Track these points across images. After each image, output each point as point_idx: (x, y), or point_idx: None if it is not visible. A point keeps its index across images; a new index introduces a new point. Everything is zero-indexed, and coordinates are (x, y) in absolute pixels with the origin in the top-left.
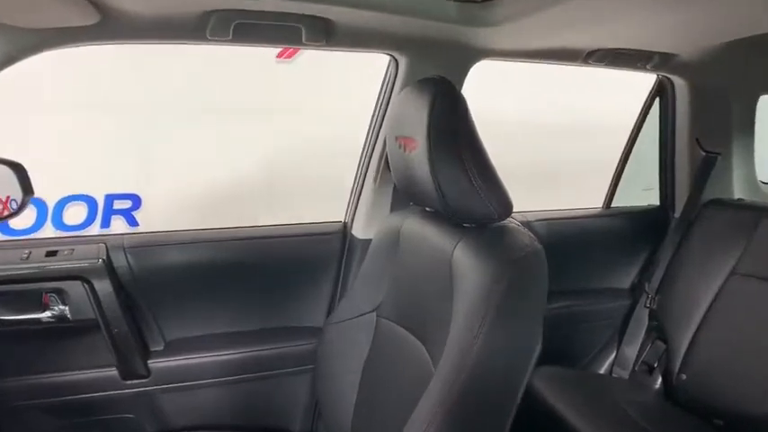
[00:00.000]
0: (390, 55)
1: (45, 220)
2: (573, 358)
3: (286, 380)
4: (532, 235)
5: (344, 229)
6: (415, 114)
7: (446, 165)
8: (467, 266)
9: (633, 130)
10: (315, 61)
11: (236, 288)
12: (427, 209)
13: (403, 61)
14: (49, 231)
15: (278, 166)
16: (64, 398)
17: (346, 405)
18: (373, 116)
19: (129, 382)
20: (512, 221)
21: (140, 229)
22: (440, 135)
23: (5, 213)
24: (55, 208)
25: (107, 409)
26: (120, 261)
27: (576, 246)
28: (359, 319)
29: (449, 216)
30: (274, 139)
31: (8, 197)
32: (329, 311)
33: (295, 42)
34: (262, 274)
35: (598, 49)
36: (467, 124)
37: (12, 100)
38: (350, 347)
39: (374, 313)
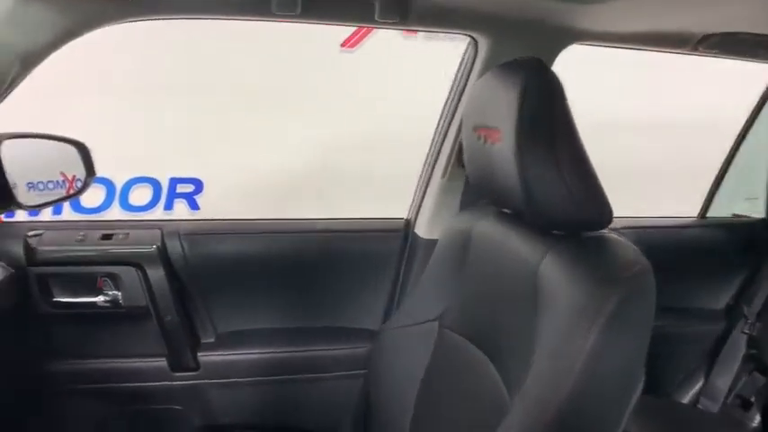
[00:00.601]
0: (470, 36)
1: (113, 200)
2: (654, 384)
3: (336, 383)
4: (637, 248)
5: (407, 227)
6: (500, 101)
7: (536, 160)
8: (558, 282)
9: (741, 130)
10: (379, 50)
11: (291, 283)
12: (505, 210)
13: (484, 43)
14: (116, 211)
15: (338, 156)
16: (114, 384)
17: (402, 419)
18: (445, 105)
19: (178, 374)
20: (610, 231)
21: (200, 213)
22: (531, 125)
23: (71, 192)
24: (122, 189)
25: (155, 400)
26: (174, 248)
27: (665, 258)
28: (419, 327)
29: (534, 220)
30: (334, 129)
31: (74, 176)
32: (386, 314)
33: (367, 20)
34: (317, 270)
35: (712, 34)
36: (564, 114)
37: (87, 82)
38: (407, 356)
39: (436, 322)
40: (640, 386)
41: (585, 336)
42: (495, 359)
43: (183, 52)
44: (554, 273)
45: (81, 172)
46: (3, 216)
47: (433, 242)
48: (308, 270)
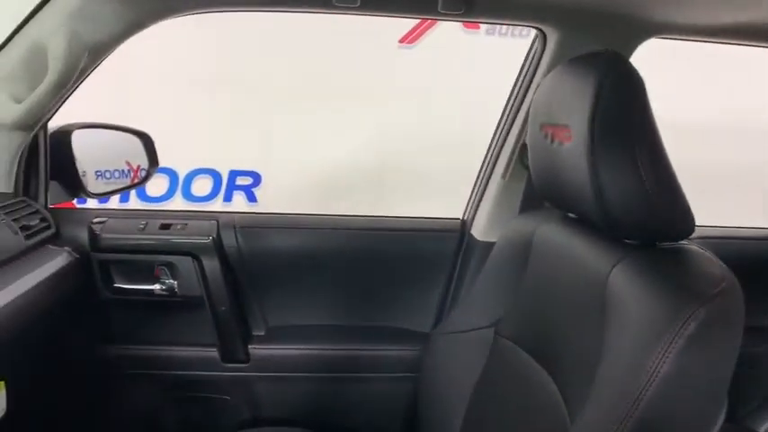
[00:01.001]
0: (538, 28)
1: (176, 190)
2: (729, 411)
3: (385, 385)
4: (721, 263)
5: (463, 228)
6: (571, 97)
7: (612, 162)
8: (631, 296)
9: None
10: (439, 46)
11: (343, 280)
12: (571, 215)
13: (553, 37)
14: (178, 200)
15: (395, 154)
16: (166, 372)
17: (451, 427)
18: (508, 102)
19: (228, 365)
20: (689, 243)
21: (258, 205)
22: (606, 124)
23: (135, 181)
24: (185, 179)
25: (206, 388)
26: (229, 240)
27: (744, 272)
28: (473, 334)
29: (606, 227)
30: (392, 127)
31: (138, 166)
32: (437, 318)
33: (430, 12)
34: (370, 268)
35: None
36: (644, 113)
37: (153, 75)
38: (460, 364)
39: (492, 329)
40: (722, 417)
41: (661, 358)
42: (553, 373)
43: (244, 47)
44: (626, 285)
45: (145, 162)
46: (74, 201)
47: (489, 245)
48: (360, 268)
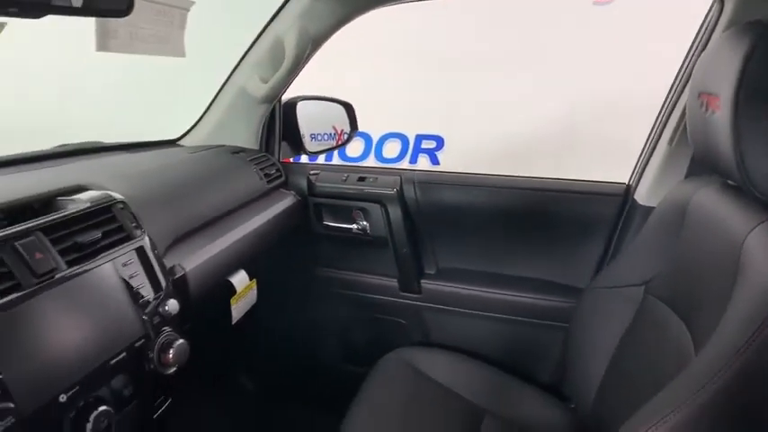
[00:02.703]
0: None
1: (370, 151)
2: None
3: (538, 330)
4: None
5: (627, 192)
6: (725, 66)
7: (754, 128)
8: (762, 257)
9: None
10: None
11: (506, 233)
12: (729, 182)
13: (731, 3)
14: (371, 160)
15: (578, 120)
16: (357, 293)
17: (596, 371)
18: (681, 67)
19: (405, 294)
20: None
21: (439, 167)
22: (752, 92)
23: (339, 143)
24: (377, 142)
25: (386, 311)
26: (409, 192)
27: None
28: (624, 290)
29: (750, 191)
30: (579, 90)
31: (342, 130)
32: (595, 275)
33: None
34: (532, 225)
35: None
36: None
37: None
38: (609, 316)
39: (642, 287)
40: None
41: None
42: (689, 323)
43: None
44: (760, 245)
45: (347, 127)
46: (292, 159)
47: (651, 209)
48: (524, 223)
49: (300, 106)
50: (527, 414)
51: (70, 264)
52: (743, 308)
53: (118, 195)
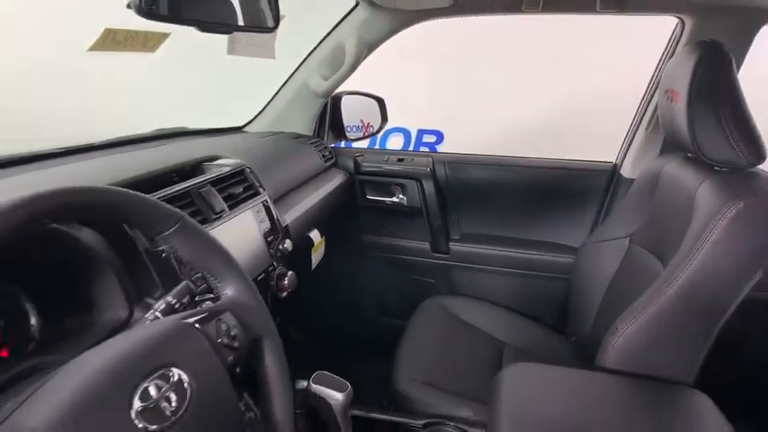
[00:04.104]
0: (678, 17)
1: (374, 144)
2: None
3: (545, 281)
4: None
5: (614, 168)
6: (683, 71)
7: (701, 114)
8: (705, 200)
9: None
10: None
11: (518, 203)
12: (688, 155)
13: (689, 23)
14: None
15: (565, 118)
16: (394, 255)
17: (591, 309)
18: (655, 72)
19: (436, 254)
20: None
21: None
22: (699, 90)
23: (366, 134)
24: (383, 136)
25: (418, 271)
26: (440, 171)
27: None
28: (612, 242)
29: (701, 159)
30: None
31: (368, 123)
32: (589, 235)
33: (589, 10)
34: (539, 196)
35: None
36: (728, 82)
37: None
38: (601, 264)
39: (627, 239)
40: (752, 282)
41: (712, 230)
42: (662, 259)
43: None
44: (704, 194)
45: (374, 120)
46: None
47: (633, 180)
48: (533, 195)
49: (344, 100)
50: (538, 345)
51: (230, 207)
52: (693, 234)
53: (244, 163)
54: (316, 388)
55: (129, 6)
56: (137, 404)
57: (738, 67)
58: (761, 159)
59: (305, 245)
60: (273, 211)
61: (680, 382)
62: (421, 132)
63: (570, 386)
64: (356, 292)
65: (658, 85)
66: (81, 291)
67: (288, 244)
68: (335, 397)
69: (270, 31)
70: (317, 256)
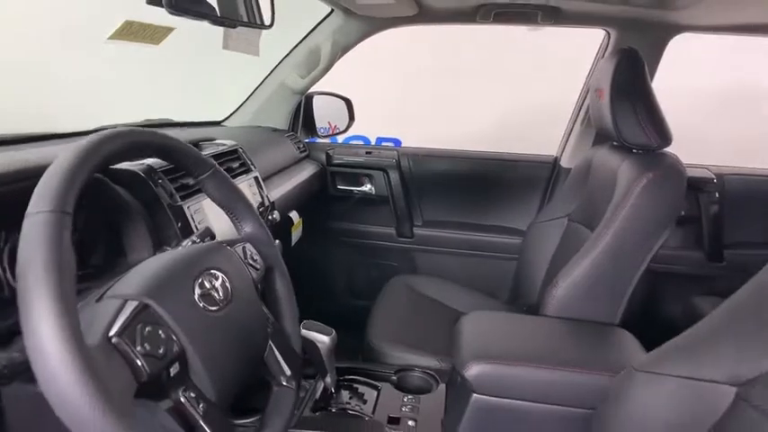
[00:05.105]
0: (606, 30)
1: None
2: None
3: (497, 261)
4: (681, 163)
5: (555, 160)
6: (606, 72)
7: (621, 107)
8: (624, 175)
9: None
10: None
11: (473, 191)
12: (614, 143)
13: (614, 35)
14: None
15: (507, 126)
16: (361, 240)
17: (537, 280)
18: (588, 76)
19: (401, 239)
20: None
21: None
22: (618, 87)
23: (332, 133)
24: (343, 142)
25: (382, 256)
26: (405, 163)
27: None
28: (554, 222)
29: (623, 144)
30: (514, 99)
31: (335, 126)
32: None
33: (532, 22)
34: (492, 185)
35: None
36: (642, 81)
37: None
38: (544, 241)
39: (566, 218)
40: (662, 238)
41: (629, 197)
42: (592, 230)
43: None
44: (623, 171)
45: (340, 122)
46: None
47: (570, 169)
48: (486, 184)
49: (315, 99)
50: None
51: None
52: (615, 201)
53: (237, 143)
54: (305, 333)
55: (151, 2)
56: (197, 290)
57: (654, 71)
58: (668, 142)
59: (285, 223)
60: (263, 186)
61: (608, 324)
62: (380, 140)
63: (518, 326)
64: (327, 275)
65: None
66: (117, 236)
67: (276, 215)
68: (322, 340)
69: (267, 28)
70: (296, 234)
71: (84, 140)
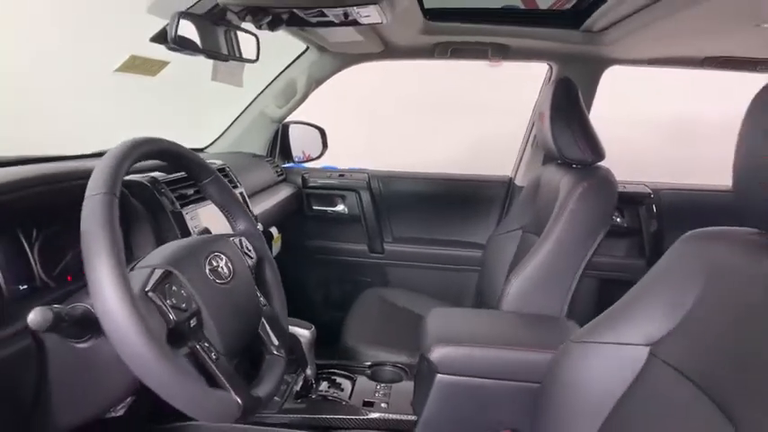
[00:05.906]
0: (549, 64)
1: None
2: None
3: (460, 273)
4: (612, 174)
5: (510, 180)
6: (547, 97)
7: (559, 127)
8: (564, 186)
9: None
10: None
11: (437, 210)
12: (558, 161)
13: (555, 68)
14: None
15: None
16: (336, 257)
17: (497, 289)
18: (535, 103)
19: (372, 254)
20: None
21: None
22: (557, 109)
23: (306, 159)
24: None
25: (355, 272)
26: (375, 184)
27: (697, 218)
28: (510, 234)
29: (564, 160)
30: (479, 131)
31: (309, 154)
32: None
33: (483, 57)
34: (453, 203)
35: (713, 57)
36: (576, 105)
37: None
38: (501, 251)
39: (520, 230)
40: (599, 239)
41: (567, 204)
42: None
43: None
44: (564, 183)
45: (313, 151)
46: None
47: (523, 187)
48: (449, 203)
49: (291, 128)
50: None
51: None
52: (557, 209)
53: (225, 163)
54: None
55: (153, 40)
56: (207, 266)
57: (591, 98)
58: (601, 157)
59: (267, 238)
60: (248, 202)
61: (555, 316)
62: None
63: (477, 318)
64: (305, 289)
65: None
66: (125, 235)
67: (260, 226)
68: (303, 333)
69: (252, 62)
70: (276, 248)
71: (124, 142)
